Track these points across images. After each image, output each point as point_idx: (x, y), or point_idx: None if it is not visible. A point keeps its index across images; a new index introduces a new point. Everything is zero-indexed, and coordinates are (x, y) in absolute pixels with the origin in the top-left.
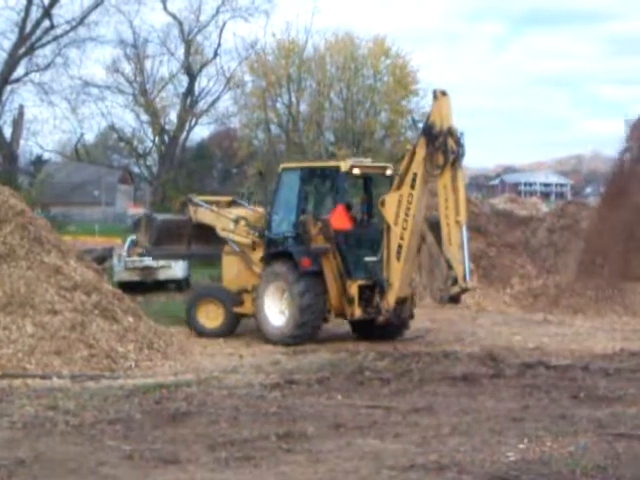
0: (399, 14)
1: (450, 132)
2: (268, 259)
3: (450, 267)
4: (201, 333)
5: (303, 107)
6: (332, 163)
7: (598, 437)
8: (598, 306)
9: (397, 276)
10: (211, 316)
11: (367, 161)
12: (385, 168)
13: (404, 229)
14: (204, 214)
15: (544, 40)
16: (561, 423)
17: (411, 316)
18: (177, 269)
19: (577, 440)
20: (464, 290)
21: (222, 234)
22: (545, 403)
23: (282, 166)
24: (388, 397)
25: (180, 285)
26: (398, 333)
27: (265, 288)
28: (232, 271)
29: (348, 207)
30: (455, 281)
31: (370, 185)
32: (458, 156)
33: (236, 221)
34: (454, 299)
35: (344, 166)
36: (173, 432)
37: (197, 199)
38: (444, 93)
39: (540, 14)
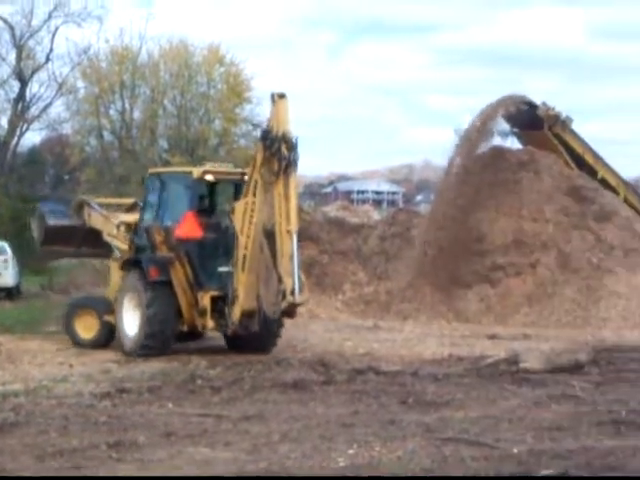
0: (234, 22)
1: (284, 138)
2: (125, 267)
3: (280, 280)
4: (79, 344)
5: (137, 114)
6: (188, 169)
7: (426, 441)
8: (428, 312)
9: (242, 287)
10: (87, 326)
11: (228, 166)
12: (243, 174)
13: (248, 238)
14: (96, 218)
15: (375, 50)
16: (390, 428)
17: (279, 326)
18: (8, 277)
19: (405, 445)
20: (293, 305)
21: (107, 239)
22: (374, 408)
23: (149, 171)
24: (219, 405)
25: (11, 293)
26: (271, 344)
27: (122, 297)
28: (113, 279)
29: (204, 214)
30: (284, 295)
31: (227, 192)
32: (290, 163)
33: (118, 227)
34: (287, 313)
35: (196, 172)
36: (0, 443)
37: (92, 201)
38: (282, 96)
39: (371, 24)
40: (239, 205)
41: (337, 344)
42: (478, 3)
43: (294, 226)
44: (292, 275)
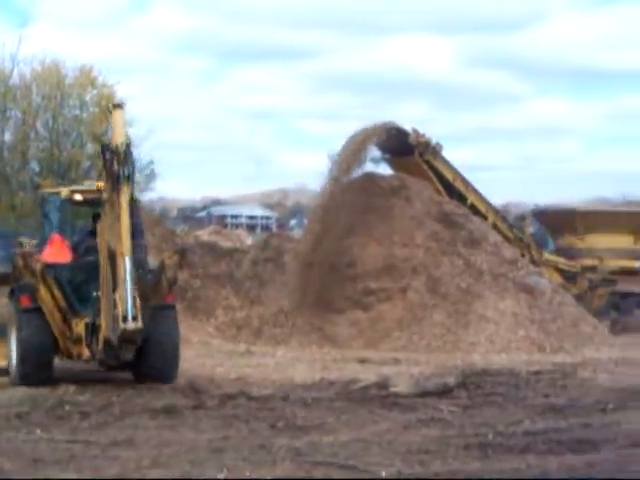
0: (107, 44)
1: (116, 150)
2: (9, 296)
3: (115, 305)
4: None
5: (7, 136)
6: (57, 189)
7: (296, 465)
8: (300, 337)
9: (103, 314)
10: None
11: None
12: None
13: (104, 260)
14: None
15: (249, 75)
16: (260, 453)
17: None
18: None
19: (275, 469)
20: (126, 332)
21: None
22: (245, 433)
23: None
24: (88, 431)
25: None
26: (169, 374)
27: (9, 327)
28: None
29: (75, 235)
30: (118, 321)
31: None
32: (120, 178)
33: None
34: (126, 340)
35: (64, 192)
36: None
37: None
38: (118, 106)
39: (246, 50)
40: (99, 226)
41: (209, 369)
42: (350, 31)
43: (125, 249)
44: (124, 301)
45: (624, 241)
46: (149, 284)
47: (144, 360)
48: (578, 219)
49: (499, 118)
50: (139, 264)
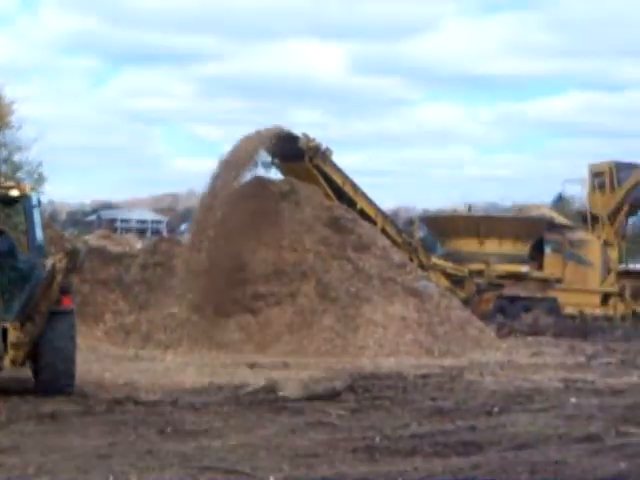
0: None
1: None
2: None
3: None
4: None
5: None
6: None
7: (183, 471)
8: (189, 341)
9: None
10: None
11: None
12: (9, 188)
13: None
14: None
15: (141, 78)
16: (147, 458)
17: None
18: None
19: (162, 474)
20: None
21: None
22: (133, 439)
23: None
24: None
25: None
26: (63, 384)
27: None
28: None
29: None
30: None
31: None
32: None
33: None
34: None
35: None
36: None
37: None
38: None
39: (137, 52)
40: None
41: (97, 374)
42: (242, 36)
43: None
44: None
45: (511, 246)
46: (39, 289)
47: (38, 369)
48: (466, 224)
49: (390, 124)
50: (32, 267)
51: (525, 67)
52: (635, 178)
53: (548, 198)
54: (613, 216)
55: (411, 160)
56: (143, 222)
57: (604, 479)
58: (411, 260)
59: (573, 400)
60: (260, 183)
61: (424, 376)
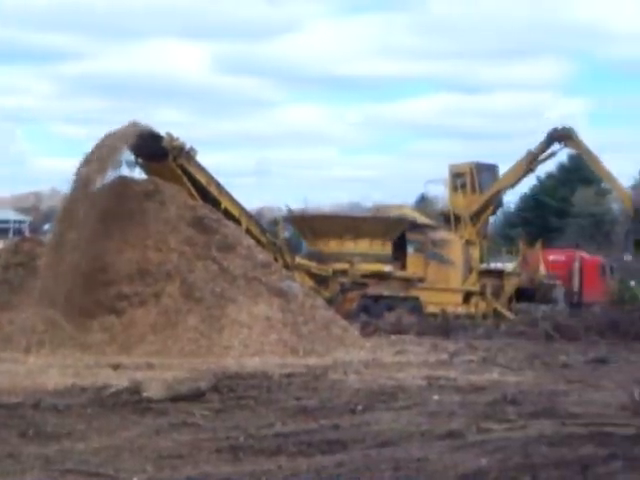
0: None
1: None
2: None
3: None
4: None
5: None
6: None
7: (45, 474)
8: (52, 343)
9: None
10: None
11: None
12: None
13: None
14: None
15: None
16: (8, 462)
17: None
18: None
19: (24, 478)
20: None
21: None
22: None
23: None
24: None
25: None
26: None
27: None
28: None
29: None
30: None
31: None
32: None
33: None
34: None
35: None
36: None
37: None
38: None
39: None
40: None
41: None
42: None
43: None
44: None
45: (374, 246)
46: None
47: None
48: (329, 224)
49: (255, 124)
50: None
51: (390, 68)
52: (499, 184)
53: (412, 198)
54: (476, 216)
55: (276, 160)
56: (5, 222)
57: (465, 475)
58: (276, 260)
59: (435, 397)
60: (124, 183)
61: (289, 375)
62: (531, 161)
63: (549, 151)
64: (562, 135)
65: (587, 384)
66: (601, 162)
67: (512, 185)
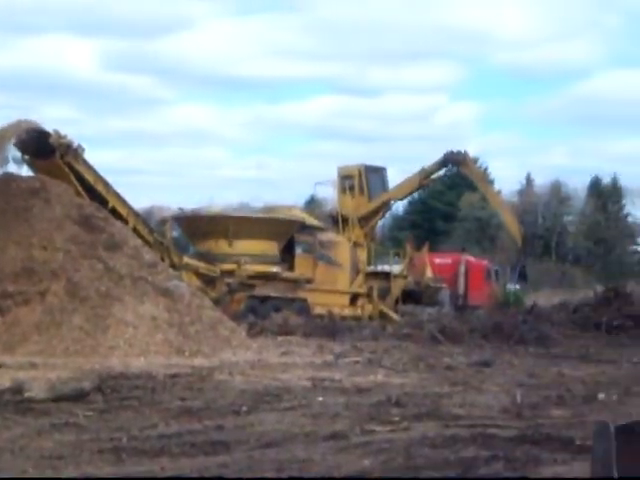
0: None
1: None
2: None
3: None
4: None
5: None
6: None
7: None
8: None
9: None
10: None
11: None
12: None
13: None
14: None
15: None
16: None
17: None
18: None
19: None
20: None
21: None
22: None
23: None
24: None
25: None
26: None
27: None
28: None
29: None
30: None
31: None
32: None
33: None
34: None
35: None
36: None
37: None
38: None
39: None
40: None
41: None
42: None
43: None
44: None
45: (262, 246)
46: None
47: None
48: (218, 224)
49: (145, 122)
50: None
51: (281, 69)
52: (389, 195)
53: (301, 200)
54: (364, 219)
55: (165, 159)
56: None
57: (348, 476)
58: (163, 260)
59: (320, 399)
60: (9, 180)
61: (174, 376)
62: (424, 178)
63: (442, 172)
64: (457, 160)
65: (470, 386)
66: (492, 189)
67: (402, 198)
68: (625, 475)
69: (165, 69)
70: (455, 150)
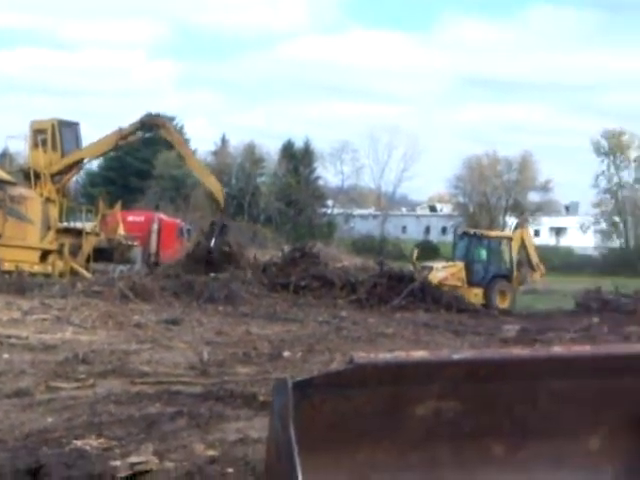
0: None
1: None
2: None
3: None
4: None
5: None
6: None
7: None
8: None
9: None
10: None
11: None
12: None
13: None
14: None
15: None
16: None
17: None
18: None
19: None
20: None
21: None
22: None
23: None
24: None
25: None
26: None
27: None
28: None
29: None
30: None
31: None
32: None
33: None
34: None
35: None
36: None
37: None
38: None
39: None
40: None
41: None
42: None
43: None
44: None
45: None
46: None
47: None
48: None
49: None
50: None
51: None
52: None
53: None
54: (57, 175)
55: None
56: None
57: (31, 434)
58: None
59: (5, 356)
60: None
61: None
62: (121, 138)
63: (139, 134)
64: (155, 122)
65: (158, 344)
66: (191, 152)
67: (96, 157)
68: (302, 426)
69: None
70: (154, 113)
